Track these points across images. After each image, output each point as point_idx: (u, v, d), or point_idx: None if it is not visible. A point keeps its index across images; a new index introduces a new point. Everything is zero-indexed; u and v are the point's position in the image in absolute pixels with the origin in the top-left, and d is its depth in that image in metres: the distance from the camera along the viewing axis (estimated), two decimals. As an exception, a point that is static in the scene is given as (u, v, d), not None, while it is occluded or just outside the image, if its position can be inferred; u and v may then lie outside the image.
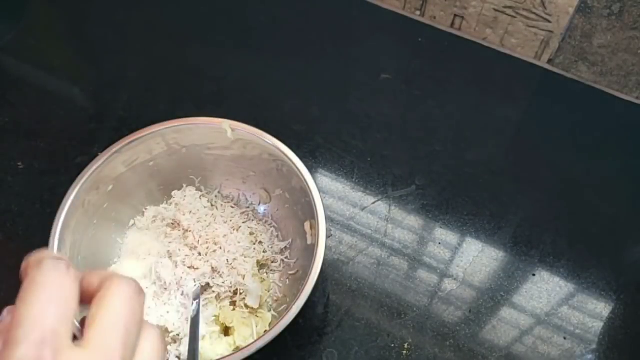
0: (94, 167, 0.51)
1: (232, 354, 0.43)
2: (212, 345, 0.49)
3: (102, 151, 0.65)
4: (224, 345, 0.49)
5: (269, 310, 0.52)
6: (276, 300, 0.53)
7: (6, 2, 0.80)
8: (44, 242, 0.58)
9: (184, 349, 0.49)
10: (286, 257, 0.55)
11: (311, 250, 0.48)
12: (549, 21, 0.68)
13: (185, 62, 0.72)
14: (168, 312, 0.50)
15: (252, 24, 0.76)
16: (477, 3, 0.71)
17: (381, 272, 0.56)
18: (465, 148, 0.65)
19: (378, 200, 0.61)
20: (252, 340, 0.44)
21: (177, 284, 0.51)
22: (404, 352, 0.51)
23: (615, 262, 0.57)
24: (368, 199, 0.61)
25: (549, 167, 0.64)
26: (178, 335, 0.50)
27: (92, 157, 0.63)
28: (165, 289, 0.51)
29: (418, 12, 0.77)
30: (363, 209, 0.60)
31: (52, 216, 0.59)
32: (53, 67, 0.72)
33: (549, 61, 0.72)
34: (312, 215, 0.50)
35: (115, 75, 0.71)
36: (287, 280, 0.54)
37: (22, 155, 0.63)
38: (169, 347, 0.49)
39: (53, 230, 0.49)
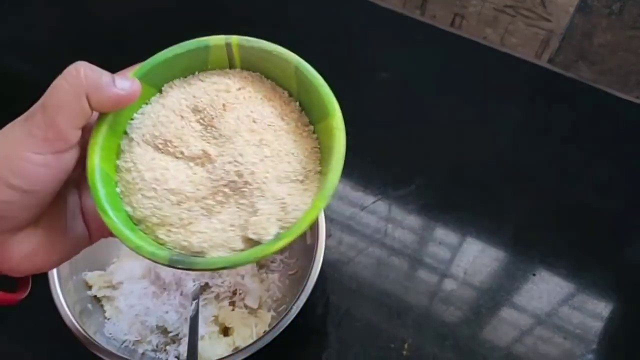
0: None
1: (232, 354, 0.43)
2: (211, 345, 0.49)
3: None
4: (224, 346, 0.49)
5: (269, 311, 0.52)
6: (275, 301, 0.53)
7: (6, 2, 0.80)
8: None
9: (183, 349, 0.49)
10: (285, 257, 0.55)
11: (310, 250, 0.48)
12: (549, 20, 0.68)
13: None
14: (167, 312, 0.50)
15: (251, 23, 0.76)
16: (477, 2, 0.71)
17: (381, 272, 0.56)
18: (465, 147, 0.65)
19: (378, 200, 0.61)
20: (252, 341, 0.44)
21: (176, 283, 0.51)
22: (404, 352, 0.51)
23: (615, 262, 0.57)
24: (368, 199, 0.61)
25: (549, 167, 0.64)
26: (177, 335, 0.49)
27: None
28: (165, 288, 0.51)
29: (418, 11, 0.77)
30: (363, 208, 0.60)
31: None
32: (53, 67, 0.72)
33: (549, 60, 0.72)
34: None
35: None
36: (287, 280, 0.53)
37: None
38: (168, 347, 0.49)
39: None
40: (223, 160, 0.30)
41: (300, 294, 0.45)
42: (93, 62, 0.29)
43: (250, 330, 0.50)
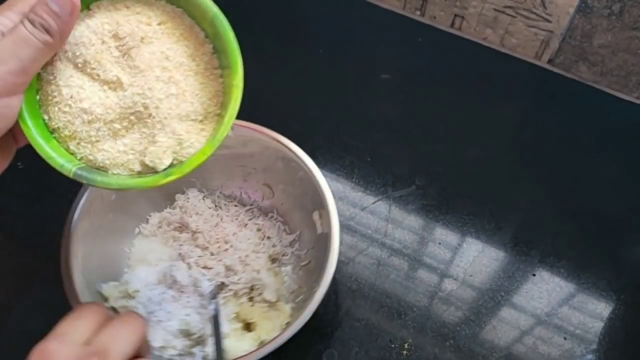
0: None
1: (265, 344, 0.43)
2: (237, 342, 0.48)
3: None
4: (249, 341, 0.49)
5: (287, 303, 0.52)
6: (292, 292, 0.53)
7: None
8: (44, 242, 0.58)
9: (209, 349, 0.48)
10: (296, 249, 0.55)
11: (322, 239, 0.49)
12: (549, 21, 0.68)
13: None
14: (188, 315, 0.49)
15: (251, 23, 0.76)
16: (477, 3, 0.71)
17: (381, 272, 0.56)
18: (466, 148, 0.65)
19: (378, 200, 0.61)
20: (276, 333, 0.45)
21: (193, 285, 0.51)
22: (404, 352, 0.51)
23: (615, 262, 0.57)
24: (368, 199, 0.61)
25: (549, 167, 0.64)
26: (201, 336, 0.49)
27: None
28: (182, 291, 0.51)
29: (418, 12, 0.77)
30: (363, 209, 0.60)
31: (52, 216, 0.59)
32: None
33: (549, 61, 0.72)
34: (320, 205, 0.50)
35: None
36: (300, 272, 0.54)
37: (22, 155, 0.63)
38: (193, 350, 0.49)
39: (64, 243, 0.48)
40: (133, 91, 0.33)
41: (320, 283, 0.45)
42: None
43: (273, 323, 0.50)
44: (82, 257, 0.48)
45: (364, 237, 0.58)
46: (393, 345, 0.52)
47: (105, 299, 0.49)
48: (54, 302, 0.54)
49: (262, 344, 0.44)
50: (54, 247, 0.56)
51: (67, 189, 0.60)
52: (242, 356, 0.43)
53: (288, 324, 0.46)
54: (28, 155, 0.64)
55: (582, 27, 0.66)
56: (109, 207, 0.52)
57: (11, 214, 0.59)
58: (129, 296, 0.50)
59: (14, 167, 0.62)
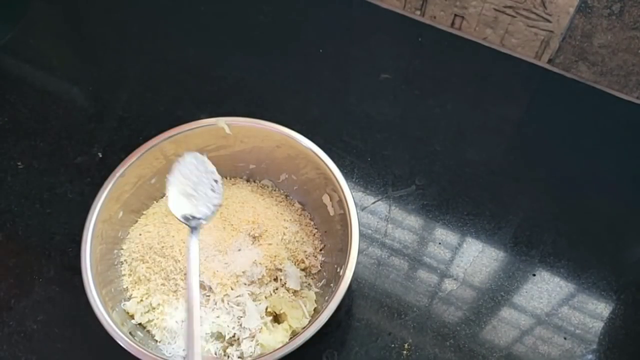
0: (103, 196, 0.49)
1: (309, 324, 0.44)
2: (271, 334, 0.48)
3: (101, 151, 0.64)
4: (281, 332, 0.48)
5: (310, 289, 0.52)
6: (313, 279, 0.53)
7: (6, 2, 0.80)
8: (44, 243, 0.58)
9: (245, 347, 0.48)
10: None
11: (335, 221, 0.49)
12: (549, 21, 0.68)
13: (185, 62, 0.72)
14: (219, 317, 0.49)
15: (252, 23, 0.76)
16: (477, 3, 0.71)
17: (381, 272, 0.56)
18: (466, 148, 0.65)
19: (378, 200, 0.61)
20: (306, 320, 0.45)
21: (220, 284, 0.50)
22: (404, 352, 0.51)
23: (615, 262, 0.57)
24: (368, 199, 0.61)
25: (549, 167, 0.64)
26: (234, 336, 0.49)
27: (92, 156, 0.63)
28: (209, 296, 0.50)
29: (418, 12, 0.77)
30: (363, 209, 0.60)
31: (52, 216, 0.59)
32: (53, 67, 0.72)
33: (549, 61, 0.72)
34: (328, 187, 0.51)
35: (115, 75, 0.71)
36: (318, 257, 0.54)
37: (22, 155, 0.63)
38: (228, 351, 0.49)
39: (83, 268, 0.47)
40: None
41: (346, 268, 0.46)
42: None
43: (302, 311, 0.50)
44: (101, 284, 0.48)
45: (363, 237, 0.58)
46: (393, 345, 0.52)
47: (132, 317, 0.49)
48: (54, 302, 0.54)
49: (295, 333, 0.44)
50: (54, 247, 0.57)
51: (67, 189, 0.60)
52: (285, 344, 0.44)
53: (315, 310, 0.47)
54: (28, 155, 0.64)
55: (582, 27, 0.66)
56: (118, 225, 0.52)
57: (11, 214, 0.59)
58: (153, 309, 0.50)
59: (13, 167, 0.63)
